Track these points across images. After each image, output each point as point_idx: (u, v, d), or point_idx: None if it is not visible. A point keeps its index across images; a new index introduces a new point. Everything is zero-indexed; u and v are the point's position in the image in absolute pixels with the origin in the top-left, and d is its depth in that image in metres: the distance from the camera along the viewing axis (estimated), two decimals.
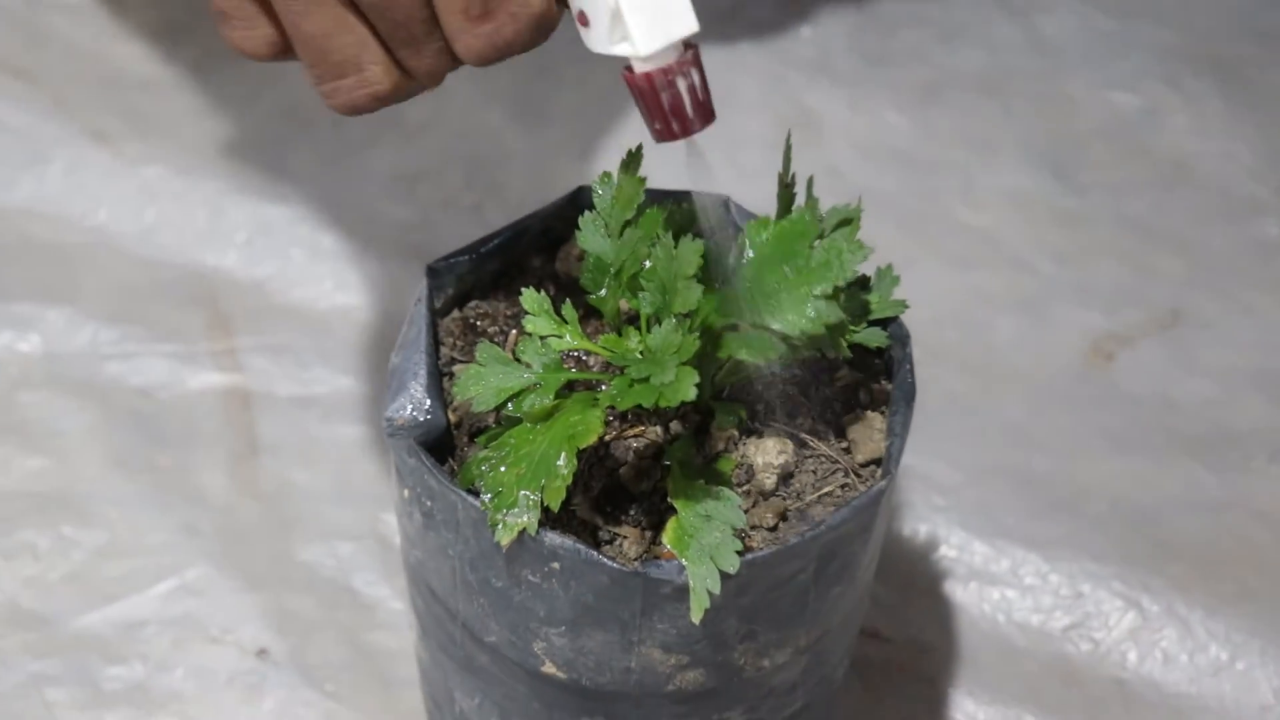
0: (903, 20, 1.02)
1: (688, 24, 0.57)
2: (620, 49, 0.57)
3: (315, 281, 0.90)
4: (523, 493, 0.57)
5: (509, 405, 0.59)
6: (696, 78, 0.58)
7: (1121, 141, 0.98)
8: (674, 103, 0.58)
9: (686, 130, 0.58)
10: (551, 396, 0.59)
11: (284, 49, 0.61)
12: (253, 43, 0.61)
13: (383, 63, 0.60)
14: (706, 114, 0.58)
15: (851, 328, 0.63)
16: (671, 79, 0.57)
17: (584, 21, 0.58)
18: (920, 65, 1.00)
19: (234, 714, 0.76)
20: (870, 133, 0.97)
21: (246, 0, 0.60)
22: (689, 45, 0.58)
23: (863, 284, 0.65)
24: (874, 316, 0.64)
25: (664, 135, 0.59)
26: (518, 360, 0.60)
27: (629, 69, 0.58)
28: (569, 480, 0.56)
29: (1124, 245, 0.93)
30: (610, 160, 0.68)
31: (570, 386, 0.60)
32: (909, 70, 1.00)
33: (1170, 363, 0.89)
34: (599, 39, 0.58)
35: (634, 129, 0.95)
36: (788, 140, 0.63)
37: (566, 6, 0.59)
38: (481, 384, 0.59)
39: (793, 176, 0.63)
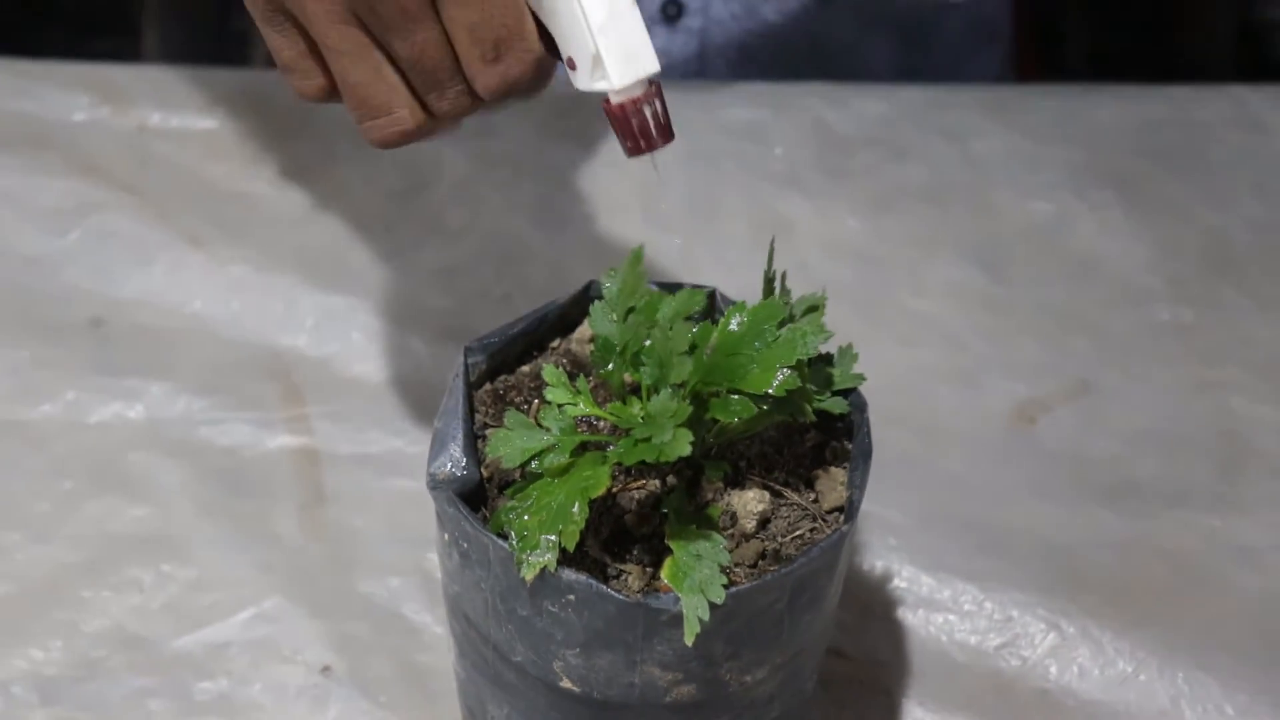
0: (859, 143, 1.02)
1: (651, 64, 0.60)
2: (599, 85, 0.60)
3: (372, 358, 0.89)
4: (544, 536, 0.57)
5: (532, 463, 0.59)
6: (658, 105, 0.61)
7: (1039, 241, 0.98)
8: (641, 125, 0.61)
9: (651, 147, 0.61)
10: (567, 455, 0.59)
11: (332, 94, 0.63)
12: (309, 89, 0.63)
13: (410, 106, 0.62)
14: (666, 134, 0.61)
15: (817, 396, 0.63)
16: (639, 107, 0.60)
17: (572, 65, 0.61)
18: (874, 179, 1.00)
19: None
20: (832, 235, 0.97)
21: (306, 57, 0.62)
22: (652, 81, 0.60)
23: (827, 360, 0.64)
24: (837, 387, 0.64)
25: (634, 151, 0.62)
26: (539, 425, 0.60)
27: (607, 100, 0.60)
28: (582, 525, 0.56)
29: (1042, 327, 0.93)
30: (616, 258, 0.68)
31: (583, 446, 0.60)
32: (864, 183, 1.00)
33: (1082, 425, 0.88)
34: (583, 78, 0.61)
35: (634, 233, 0.94)
36: (771, 244, 0.63)
37: (558, 56, 0.61)
38: (509, 445, 0.59)
39: (774, 272, 0.63)
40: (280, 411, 0.86)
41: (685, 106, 1.01)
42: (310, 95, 0.64)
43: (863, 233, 0.97)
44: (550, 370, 0.61)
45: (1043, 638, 0.79)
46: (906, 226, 0.97)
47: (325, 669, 0.76)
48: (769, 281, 0.64)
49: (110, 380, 0.88)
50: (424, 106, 0.62)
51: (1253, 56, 1.61)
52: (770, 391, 0.59)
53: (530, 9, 0.61)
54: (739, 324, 0.61)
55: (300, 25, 0.61)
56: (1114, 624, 0.79)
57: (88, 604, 0.78)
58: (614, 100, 0.60)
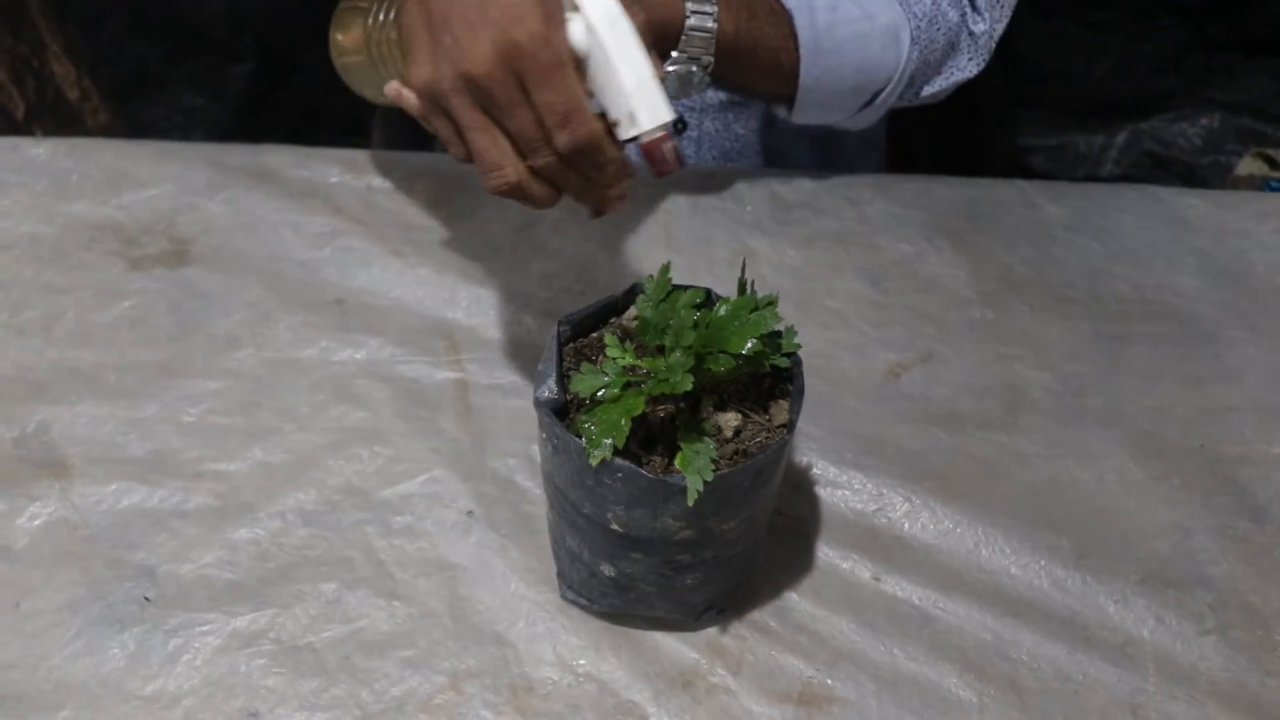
0: (796, 204, 0.99)
1: (668, 114, 0.59)
2: (634, 132, 0.58)
3: (502, 327, 0.86)
4: (604, 440, 0.56)
5: (598, 394, 0.58)
6: (674, 144, 0.59)
7: (904, 267, 0.94)
8: (662, 157, 0.59)
9: (670, 171, 0.60)
10: (618, 390, 0.57)
11: (469, 158, 0.61)
12: (459, 154, 0.61)
13: (515, 165, 0.60)
14: (680, 163, 0.60)
15: (772, 356, 0.61)
16: (661, 145, 0.58)
17: (616, 124, 0.58)
18: (805, 226, 0.97)
19: (456, 544, 0.73)
20: (780, 260, 0.94)
21: (455, 135, 0.61)
22: (670, 127, 0.58)
23: (777, 335, 0.62)
24: (784, 351, 0.62)
25: (660, 175, 0.60)
26: (602, 371, 0.58)
27: (641, 141, 0.58)
28: (627, 432, 0.55)
29: (905, 320, 0.89)
30: (651, 268, 0.66)
31: (628, 384, 0.58)
32: (799, 229, 0.97)
33: (927, 379, 0.85)
34: (624, 130, 0.59)
35: (661, 255, 0.92)
36: (743, 263, 0.63)
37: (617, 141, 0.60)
38: (583, 383, 0.58)
39: (745, 280, 0.62)
40: (445, 356, 0.84)
41: (691, 180, 0.99)
42: (459, 158, 0.62)
43: (798, 259, 0.94)
44: (609, 337, 0.60)
45: (900, 505, 0.76)
46: (824, 256, 0.94)
47: (469, 512, 0.74)
48: (742, 285, 0.62)
49: (346, 335, 0.85)
50: (529, 167, 0.61)
51: (1020, 163, 1.61)
52: (744, 352, 0.58)
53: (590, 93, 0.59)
54: (725, 311, 0.59)
55: (447, 113, 0.60)
56: (942, 498, 0.77)
57: (330, 468, 0.76)
58: (644, 140, 0.59)
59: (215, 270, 0.90)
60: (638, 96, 0.57)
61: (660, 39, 0.84)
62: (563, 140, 0.59)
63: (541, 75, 0.57)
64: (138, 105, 1.63)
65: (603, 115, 0.60)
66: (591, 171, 0.61)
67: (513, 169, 0.60)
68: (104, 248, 0.91)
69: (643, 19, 0.60)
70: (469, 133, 0.60)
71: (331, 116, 1.52)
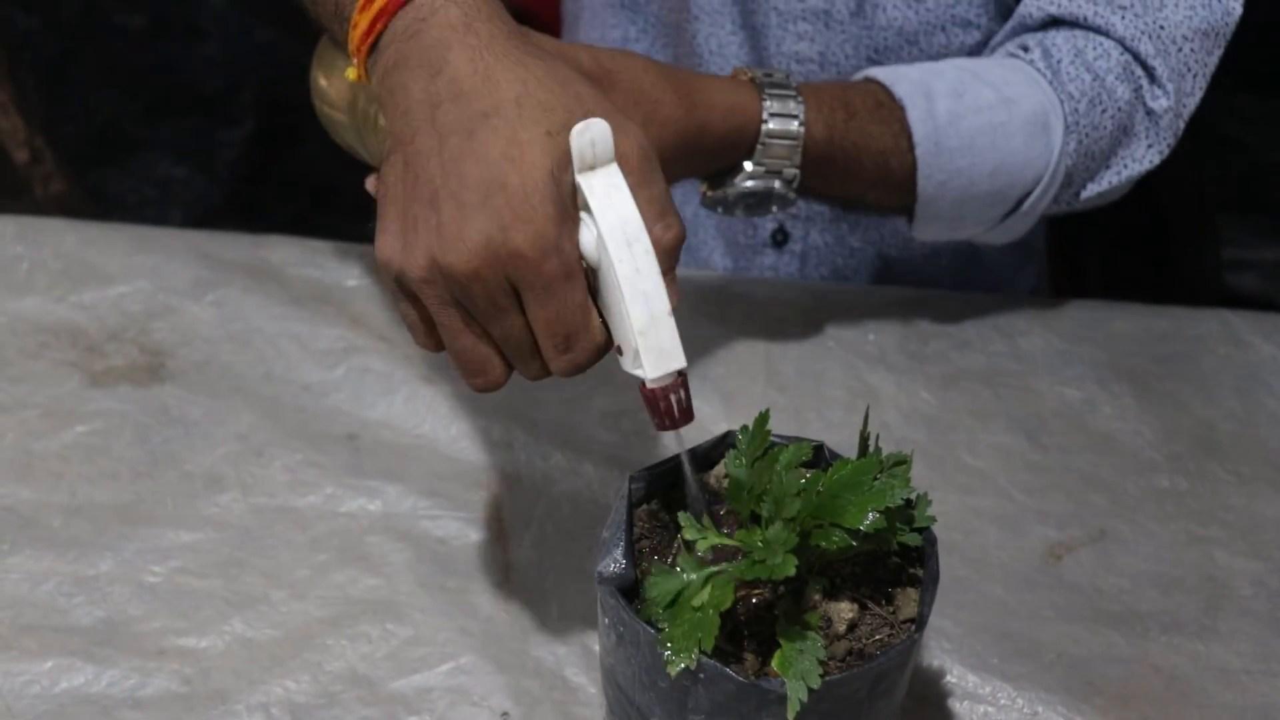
0: (932, 334, 1.02)
1: (679, 361, 0.60)
2: (638, 372, 0.60)
3: (555, 479, 0.89)
4: (688, 642, 0.58)
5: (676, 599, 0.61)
6: (682, 394, 0.61)
7: (1069, 419, 0.96)
8: (667, 409, 0.61)
9: (674, 426, 0.61)
10: (700, 585, 0.60)
11: (442, 348, 0.64)
12: (426, 345, 0.64)
13: (500, 368, 0.63)
14: (687, 416, 0.61)
15: (901, 528, 0.63)
16: (666, 394, 0.60)
17: (620, 352, 0.61)
18: (943, 363, 1.00)
19: None
20: (910, 404, 0.96)
21: (421, 323, 0.64)
22: (680, 374, 0.60)
23: (908, 503, 0.64)
24: (914, 525, 0.64)
25: (661, 428, 0.61)
26: (679, 570, 0.61)
27: (643, 384, 0.60)
28: (715, 632, 0.57)
29: (1069, 486, 0.91)
30: (744, 414, 0.68)
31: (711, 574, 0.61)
32: (936, 366, 0.99)
33: (1098, 564, 0.86)
34: (627, 364, 0.60)
35: (759, 395, 0.95)
36: (866, 411, 0.64)
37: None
38: (658, 589, 0.61)
39: (867, 432, 0.64)
40: (483, 512, 0.87)
41: (799, 299, 1.02)
42: (426, 348, 0.65)
43: (933, 403, 0.96)
44: (683, 515, 0.63)
45: None
46: (966, 401, 0.97)
47: (504, 714, 0.76)
48: (864, 440, 0.65)
49: (359, 481, 0.89)
50: (509, 368, 0.64)
51: (1226, 286, 1.62)
52: (864, 528, 0.60)
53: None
54: (841, 475, 0.62)
55: (417, 301, 0.63)
56: None
57: (330, 649, 0.79)
58: (648, 386, 0.60)
59: (197, 391, 0.94)
60: (647, 337, 0.59)
61: (729, 147, 0.85)
62: (560, 364, 0.61)
63: (543, 288, 0.59)
64: (103, 174, 1.66)
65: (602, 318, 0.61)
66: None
67: (496, 373, 0.63)
68: (57, 356, 0.95)
69: (675, 232, 0.62)
70: (444, 330, 0.62)
71: (348, 197, 1.55)
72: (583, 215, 0.60)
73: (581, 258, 0.60)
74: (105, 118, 1.71)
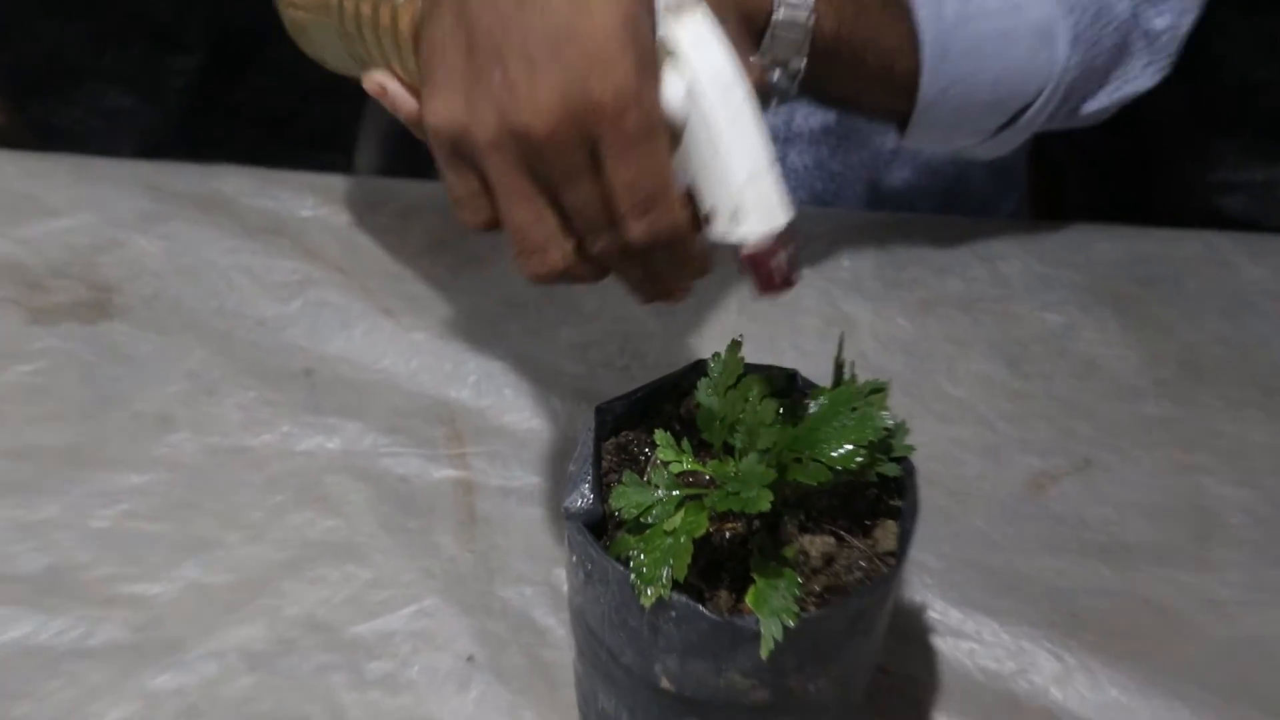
0: (909, 260, 1.01)
1: (784, 216, 0.56)
2: (737, 235, 0.56)
3: (519, 411, 0.88)
4: (659, 570, 0.56)
5: (645, 514, 0.59)
6: (787, 255, 0.56)
7: (1050, 344, 0.96)
8: (769, 274, 0.57)
9: (781, 289, 0.57)
10: (673, 507, 0.59)
11: (493, 227, 0.59)
12: (476, 222, 0.59)
13: (562, 249, 0.58)
14: (789, 281, 0.57)
15: (879, 457, 0.62)
16: (774, 253, 0.56)
17: (709, 220, 0.56)
18: (920, 289, 0.99)
19: (450, 700, 0.74)
20: (887, 331, 0.96)
21: (477, 196, 0.58)
22: (784, 232, 0.56)
23: (885, 434, 0.62)
24: (892, 455, 0.63)
25: (763, 294, 0.57)
26: (652, 484, 0.59)
27: (742, 247, 0.56)
28: (688, 560, 0.56)
29: (1052, 413, 0.91)
30: (716, 343, 0.67)
31: (687, 497, 0.59)
32: (913, 292, 0.99)
33: (1083, 494, 0.86)
34: (720, 229, 0.56)
35: (731, 323, 0.94)
36: (840, 337, 0.63)
37: (698, 224, 0.57)
38: (627, 499, 0.59)
39: (843, 360, 0.63)
40: (444, 449, 0.86)
41: None
42: (475, 226, 0.60)
43: (911, 331, 0.96)
44: (661, 434, 0.61)
45: (1048, 665, 0.76)
46: (945, 327, 0.96)
47: (469, 658, 0.75)
48: (839, 369, 0.63)
49: (316, 418, 0.88)
50: (578, 247, 0.59)
51: (1212, 207, 1.62)
52: (841, 461, 0.59)
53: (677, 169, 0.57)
54: (818, 405, 0.61)
55: (476, 168, 0.58)
56: (1105, 657, 0.77)
57: (287, 594, 0.78)
58: (749, 249, 0.56)
59: (145, 327, 0.93)
60: (750, 192, 0.55)
61: (737, 38, 0.84)
62: (638, 230, 0.56)
63: (623, 145, 0.54)
64: (47, 104, 1.66)
65: (689, 198, 0.57)
66: (663, 266, 0.59)
67: (559, 253, 0.58)
68: None
69: (758, 73, 0.56)
70: (506, 200, 0.58)
71: (303, 127, 1.54)
72: (665, 70, 0.56)
73: (665, 117, 0.55)
74: (48, 46, 1.69)
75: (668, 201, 0.56)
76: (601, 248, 0.58)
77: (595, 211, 0.57)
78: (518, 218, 0.58)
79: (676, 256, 0.58)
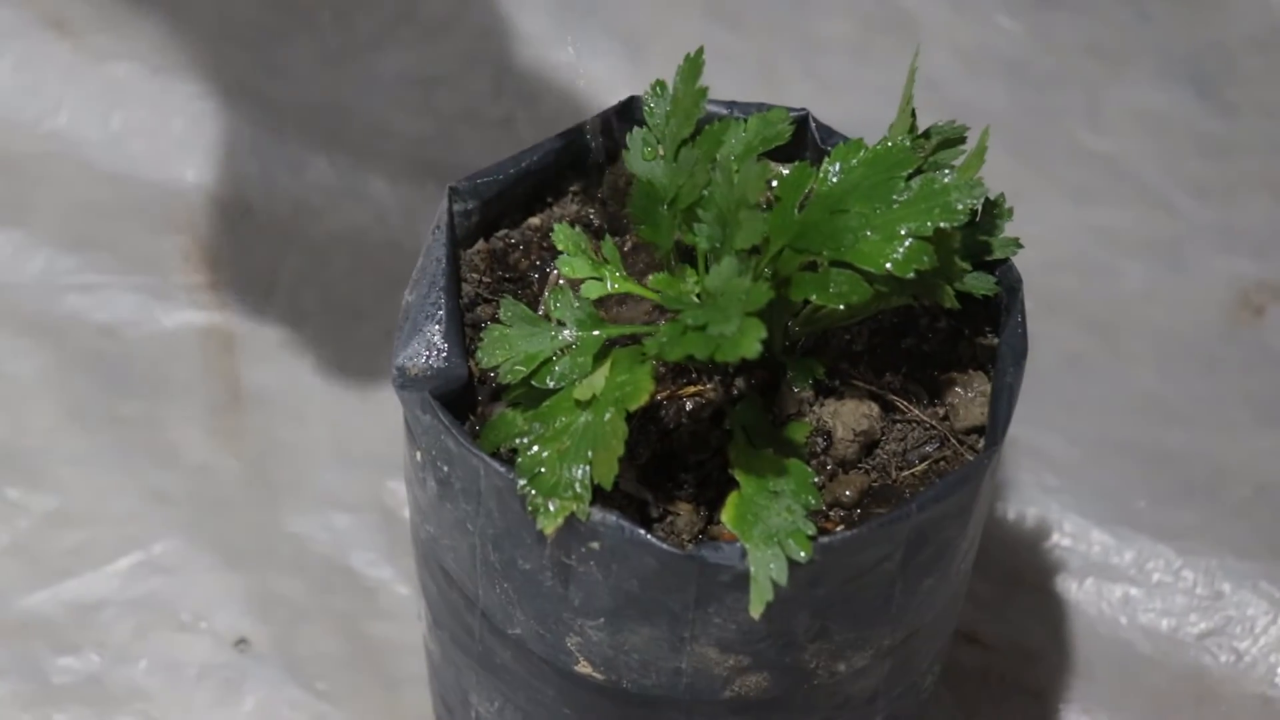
0: None
1: None
2: None
3: (312, 204, 0.90)
4: (568, 470, 0.57)
5: (548, 377, 0.59)
6: None
7: (1276, 54, 0.97)
8: None
9: None
10: (590, 359, 0.59)
11: None
12: None
13: None
14: None
15: (960, 264, 0.62)
16: None
17: None
18: None
19: (207, 715, 0.76)
20: (976, 39, 0.97)
21: None
22: None
23: (974, 217, 0.62)
24: (984, 258, 0.64)
25: None
26: (549, 318, 0.60)
27: None
28: (620, 451, 0.56)
29: (1277, 181, 0.93)
30: (667, 67, 0.66)
31: (611, 343, 0.60)
32: None
33: None
34: None
35: (692, 32, 0.95)
36: (914, 60, 0.63)
37: None
38: (507, 348, 0.60)
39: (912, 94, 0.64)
40: (181, 276, 0.88)
41: None
42: None
43: (1020, 37, 0.97)
44: (563, 231, 0.62)
45: (1267, 623, 0.79)
46: (1083, 29, 0.98)
47: (240, 642, 0.78)
48: (907, 114, 0.64)
49: None
50: None
51: None
52: (894, 268, 0.58)
53: None
54: (850, 167, 0.61)
55: None
56: None
57: None
58: None
59: None
60: None
61: None
62: None
63: None
64: None
65: None
66: None
67: None
68: None
69: None
70: None
71: None
72: None
73: None
74: None
75: None
76: None
77: None
78: None
79: None
